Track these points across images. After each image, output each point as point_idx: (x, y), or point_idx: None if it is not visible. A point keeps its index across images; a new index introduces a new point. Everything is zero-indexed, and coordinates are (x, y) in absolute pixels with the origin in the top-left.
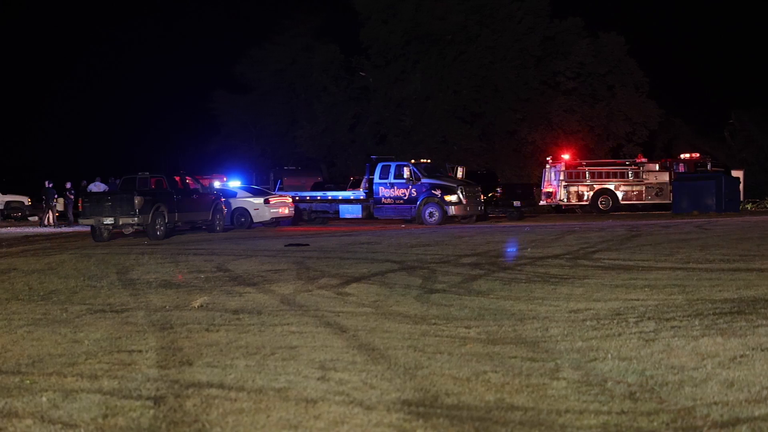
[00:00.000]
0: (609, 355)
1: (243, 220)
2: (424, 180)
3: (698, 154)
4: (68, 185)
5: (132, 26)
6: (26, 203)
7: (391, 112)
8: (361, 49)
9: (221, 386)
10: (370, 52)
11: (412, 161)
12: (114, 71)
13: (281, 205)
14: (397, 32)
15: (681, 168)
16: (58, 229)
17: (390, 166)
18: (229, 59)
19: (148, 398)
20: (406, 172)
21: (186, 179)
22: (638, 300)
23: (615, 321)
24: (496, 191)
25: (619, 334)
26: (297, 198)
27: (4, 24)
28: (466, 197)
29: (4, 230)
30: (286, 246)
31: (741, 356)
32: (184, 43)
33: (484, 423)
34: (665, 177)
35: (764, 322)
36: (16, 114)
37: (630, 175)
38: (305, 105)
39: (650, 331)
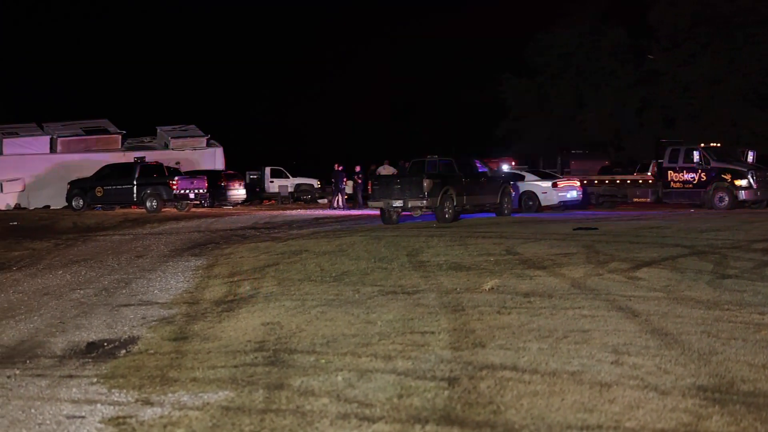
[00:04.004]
0: None
1: (531, 203)
2: (713, 164)
3: None
4: (357, 168)
5: (422, 11)
6: (315, 186)
7: (679, 95)
8: (648, 32)
9: (515, 368)
10: (658, 35)
11: (702, 145)
12: (404, 55)
13: (569, 188)
14: (686, 14)
15: None
16: (347, 212)
17: (679, 150)
18: (517, 43)
19: (442, 379)
20: (695, 157)
21: (475, 162)
22: None
23: None
24: None
25: None
26: (585, 182)
27: (295, 18)
28: (756, 182)
29: (294, 212)
30: (574, 230)
31: None
32: (475, 26)
33: None
34: None
35: None
36: (312, 99)
37: None
38: (592, 88)
39: None
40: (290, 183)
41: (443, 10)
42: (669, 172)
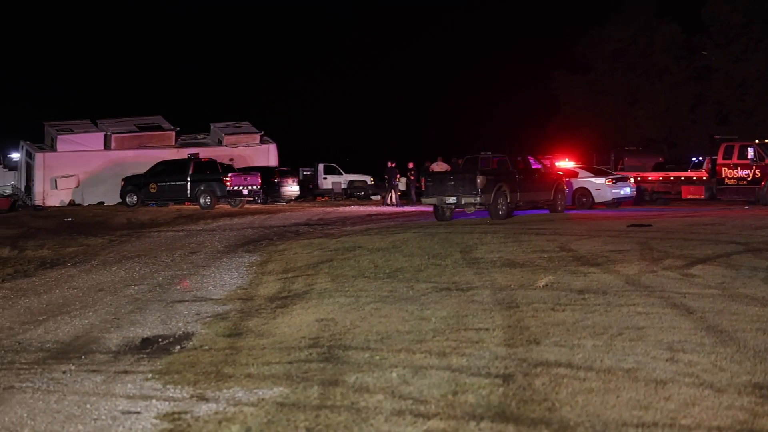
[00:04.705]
0: None
1: (584, 200)
2: None
3: None
4: (410, 165)
5: (476, 5)
6: (369, 182)
7: (733, 91)
8: (702, 28)
9: (569, 365)
10: (711, 30)
11: (756, 141)
12: (458, 52)
13: (622, 185)
14: (740, 10)
15: None
16: (401, 208)
17: (733, 146)
18: (570, 39)
19: (496, 376)
20: (749, 153)
21: (528, 158)
22: None
23: None
24: None
25: None
26: (638, 178)
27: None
28: None
29: (347, 209)
30: (628, 226)
31: None
32: (527, 22)
33: None
34: None
35: None
36: (366, 96)
37: None
38: (646, 85)
39: None
40: (343, 180)
41: (496, 5)
42: (723, 168)
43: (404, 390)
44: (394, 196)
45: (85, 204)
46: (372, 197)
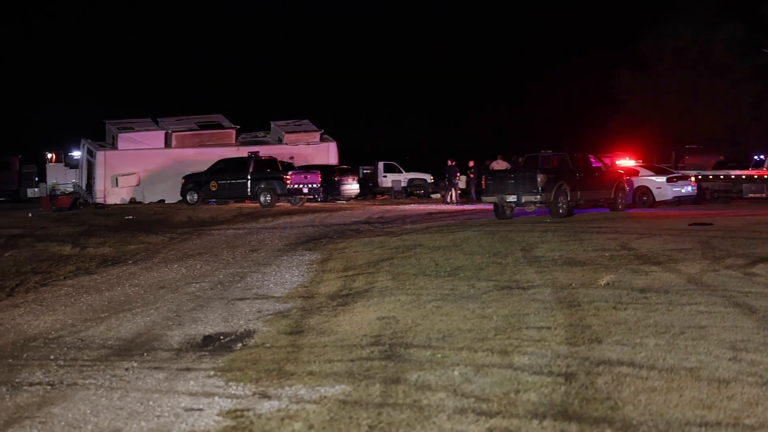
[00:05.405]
0: None
1: (645, 198)
2: None
3: None
4: (471, 163)
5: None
6: (429, 181)
7: None
8: (763, 26)
9: (631, 364)
10: None
11: None
12: (513, 46)
13: (683, 183)
14: None
15: None
16: (461, 207)
17: None
18: (630, 36)
19: (558, 375)
20: None
21: (589, 157)
22: None
23: None
24: None
25: None
26: (699, 177)
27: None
28: None
29: (407, 207)
30: (689, 225)
31: None
32: (587, 19)
33: None
34: None
35: None
36: (427, 93)
37: None
38: (707, 82)
39: None
40: (403, 178)
41: (556, 3)
42: None
43: (466, 388)
44: (454, 194)
45: (146, 202)
46: (432, 195)
